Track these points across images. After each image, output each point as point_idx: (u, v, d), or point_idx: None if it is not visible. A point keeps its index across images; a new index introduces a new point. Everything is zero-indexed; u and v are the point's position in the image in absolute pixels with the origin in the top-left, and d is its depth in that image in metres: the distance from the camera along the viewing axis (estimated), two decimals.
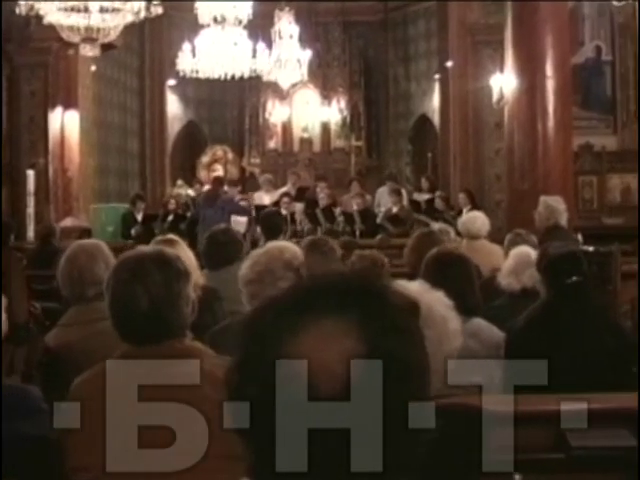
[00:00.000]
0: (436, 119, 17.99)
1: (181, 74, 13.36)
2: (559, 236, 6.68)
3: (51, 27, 13.25)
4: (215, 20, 12.40)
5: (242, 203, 13.47)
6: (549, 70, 9.14)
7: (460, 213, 12.00)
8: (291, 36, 16.16)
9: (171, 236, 4.88)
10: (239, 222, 11.13)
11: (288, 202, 13.33)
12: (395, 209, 12.86)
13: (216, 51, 12.47)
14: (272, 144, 19.71)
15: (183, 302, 2.36)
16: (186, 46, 12.81)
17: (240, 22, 12.58)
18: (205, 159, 19.65)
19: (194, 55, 12.79)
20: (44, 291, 7.95)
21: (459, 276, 3.39)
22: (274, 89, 18.39)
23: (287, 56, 15.78)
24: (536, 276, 4.43)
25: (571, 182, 9.59)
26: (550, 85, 9.16)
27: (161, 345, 2.31)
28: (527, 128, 9.28)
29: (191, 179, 18.19)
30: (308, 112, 19.59)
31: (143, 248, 2.49)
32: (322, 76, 19.23)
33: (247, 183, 18.24)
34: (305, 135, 19.73)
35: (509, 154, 9.75)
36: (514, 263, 4.55)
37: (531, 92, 9.26)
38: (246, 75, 13.11)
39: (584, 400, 3.20)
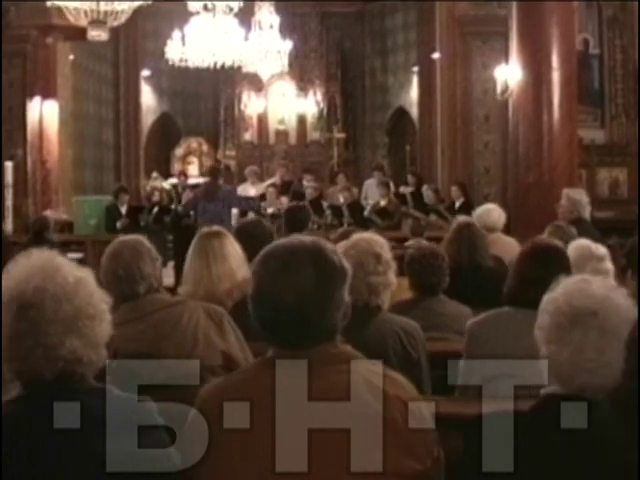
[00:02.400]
0: (414, 112, 17.91)
1: (170, 62, 13.09)
2: (582, 229, 6.60)
3: (30, 14, 12.93)
4: (205, 8, 12.16)
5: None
6: (555, 62, 9.07)
7: (452, 206, 11.93)
8: (271, 26, 15.92)
9: (217, 228, 4.66)
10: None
11: (274, 193, 13.17)
12: (383, 202, 12.72)
13: (206, 39, 12.21)
14: (247, 136, 19.52)
15: (333, 306, 2.07)
16: (176, 34, 12.53)
17: (231, 10, 12.35)
18: (179, 151, 19.43)
19: (184, 43, 12.52)
20: None
21: (560, 268, 3.23)
22: (250, 80, 18.19)
23: (267, 47, 15.55)
24: (598, 270, 4.35)
25: (576, 174, 9.56)
26: (556, 77, 9.10)
27: (312, 350, 2.05)
28: (533, 120, 9.22)
29: (165, 172, 17.93)
30: (284, 104, 19.41)
31: (300, 237, 2.23)
32: (299, 68, 19.03)
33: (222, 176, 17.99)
34: (281, 127, 19.55)
35: (514, 146, 9.67)
36: (575, 256, 4.40)
37: (537, 84, 9.20)
38: (236, 65, 12.87)
39: None
